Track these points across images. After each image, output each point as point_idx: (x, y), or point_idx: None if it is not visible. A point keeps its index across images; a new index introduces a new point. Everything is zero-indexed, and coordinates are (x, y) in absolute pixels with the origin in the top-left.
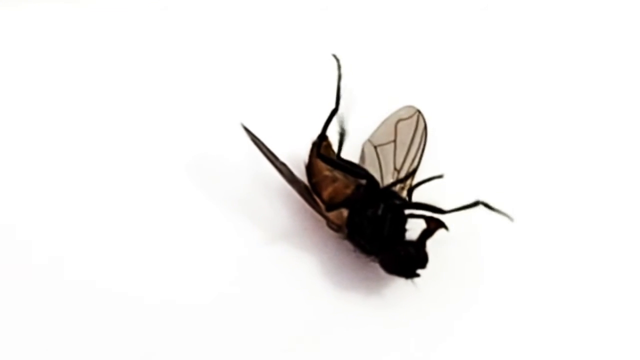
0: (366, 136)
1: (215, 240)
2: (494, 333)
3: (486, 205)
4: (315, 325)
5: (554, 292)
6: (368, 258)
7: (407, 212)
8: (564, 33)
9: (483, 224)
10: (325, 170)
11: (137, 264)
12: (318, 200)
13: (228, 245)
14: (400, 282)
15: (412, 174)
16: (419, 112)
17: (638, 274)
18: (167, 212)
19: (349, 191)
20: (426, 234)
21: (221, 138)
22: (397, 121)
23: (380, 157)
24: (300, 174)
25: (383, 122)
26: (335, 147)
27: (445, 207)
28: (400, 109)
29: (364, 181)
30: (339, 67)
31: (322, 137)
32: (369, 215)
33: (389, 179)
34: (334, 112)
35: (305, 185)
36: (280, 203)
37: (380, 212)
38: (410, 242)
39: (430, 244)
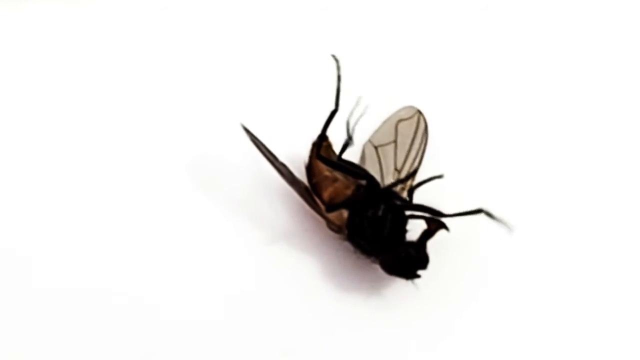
0: (367, 136)
1: (215, 241)
2: (494, 334)
3: (488, 214)
4: (316, 326)
5: (555, 293)
6: (368, 259)
7: (407, 212)
8: (564, 33)
9: (484, 225)
10: (325, 170)
11: (136, 264)
12: (318, 201)
13: (228, 245)
14: (400, 283)
15: (412, 174)
16: (420, 112)
17: (638, 276)
18: (167, 213)
19: (349, 192)
20: (427, 234)
21: (221, 138)
22: (398, 121)
23: (381, 157)
24: (300, 175)
25: (384, 123)
26: (335, 148)
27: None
28: (400, 109)
29: (364, 182)
30: (339, 67)
31: (322, 137)
32: (369, 216)
33: (389, 180)
34: (333, 113)
35: (305, 186)
36: (280, 204)
37: (380, 212)
38: (411, 243)
39: (431, 245)
